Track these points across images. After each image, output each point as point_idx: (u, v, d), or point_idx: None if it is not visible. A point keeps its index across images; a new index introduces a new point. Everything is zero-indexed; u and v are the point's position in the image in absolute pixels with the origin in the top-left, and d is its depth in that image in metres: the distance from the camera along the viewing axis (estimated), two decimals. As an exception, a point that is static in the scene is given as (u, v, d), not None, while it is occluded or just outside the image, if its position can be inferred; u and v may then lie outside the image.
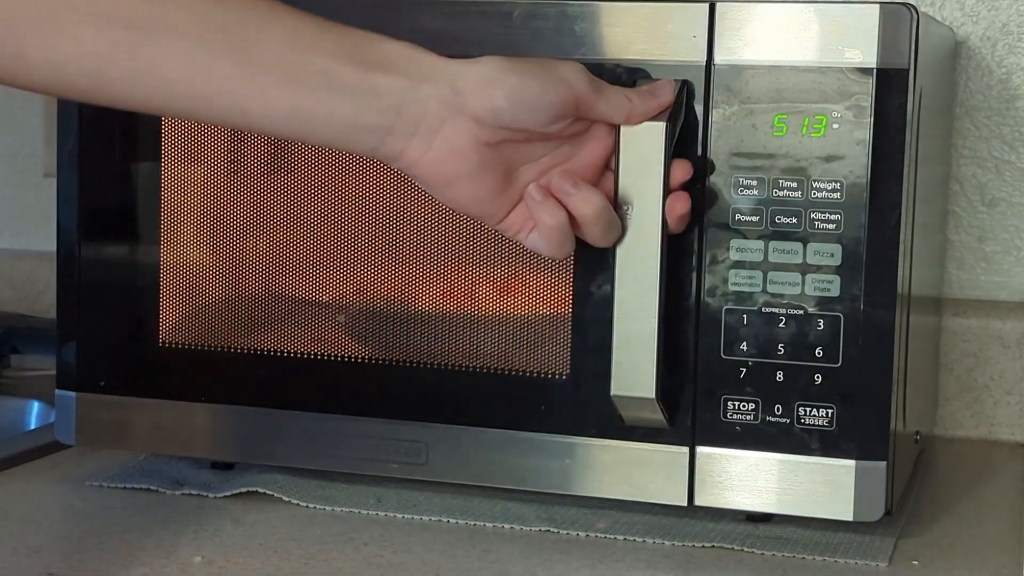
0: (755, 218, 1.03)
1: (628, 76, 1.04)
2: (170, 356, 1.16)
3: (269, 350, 1.13)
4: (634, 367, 1.02)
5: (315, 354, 1.13)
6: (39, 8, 0.84)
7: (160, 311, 1.16)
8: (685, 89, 1.03)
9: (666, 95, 1.01)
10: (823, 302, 1.02)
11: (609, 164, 1.01)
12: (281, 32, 0.90)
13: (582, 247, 1.02)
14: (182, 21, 0.87)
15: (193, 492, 1.15)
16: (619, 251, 1.01)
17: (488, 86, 0.95)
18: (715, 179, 1.03)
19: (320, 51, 0.91)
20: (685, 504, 1.06)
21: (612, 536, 1.08)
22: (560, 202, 0.98)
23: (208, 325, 1.15)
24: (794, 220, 1.02)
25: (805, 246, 1.02)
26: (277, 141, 1.12)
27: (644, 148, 1.00)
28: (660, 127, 1.00)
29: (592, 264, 1.05)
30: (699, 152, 1.03)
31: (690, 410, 1.05)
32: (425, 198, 1.07)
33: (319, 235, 1.11)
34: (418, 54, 0.95)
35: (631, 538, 1.07)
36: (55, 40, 0.84)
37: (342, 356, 1.12)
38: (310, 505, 1.13)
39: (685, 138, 1.03)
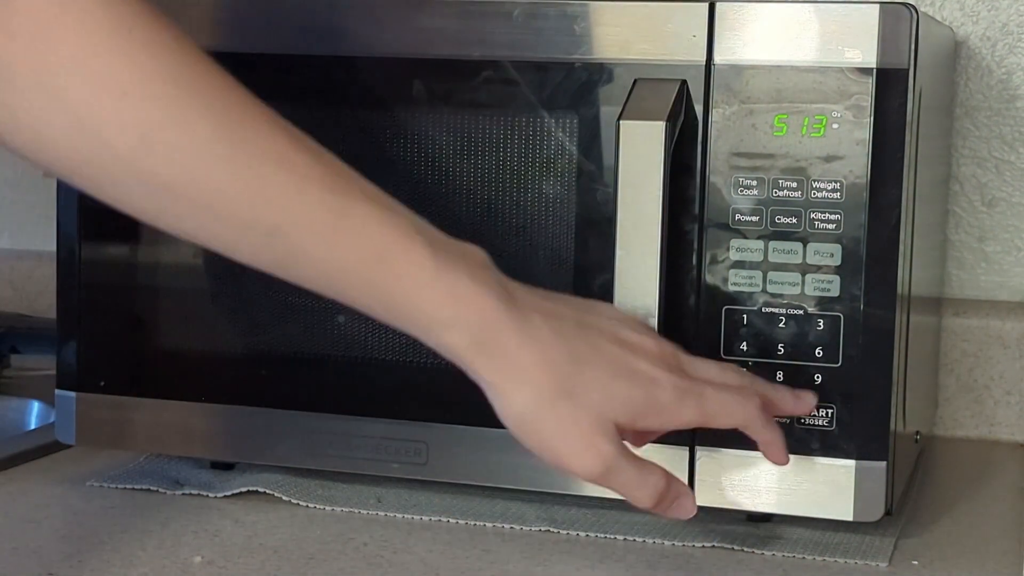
0: (755, 218, 1.03)
1: (628, 75, 1.04)
2: (170, 356, 1.16)
3: (269, 350, 1.13)
4: None
5: (315, 354, 1.12)
6: None
7: (160, 311, 1.16)
8: (685, 89, 1.03)
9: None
10: (823, 302, 1.02)
11: None
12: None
13: (580, 241, 1.02)
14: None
15: (193, 492, 1.15)
16: (619, 250, 1.01)
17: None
18: (715, 179, 1.03)
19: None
20: (685, 504, 1.05)
21: (612, 536, 1.07)
22: None
23: (208, 325, 1.15)
24: (794, 220, 1.02)
25: (805, 246, 1.02)
26: None
27: (644, 148, 1.00)
28: (659, 126, 1.00)
29: (592, 263, 1.06)
30: (699, 152, 1.03)
31: None
32: (423, 198, 1.07)
33: None
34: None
35: (631, 538, 1.07)
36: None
37: (342, 356, 1.12)
38: (310, 505, 1.13)
39: (685, 138, 1.03)
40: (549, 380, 0.89)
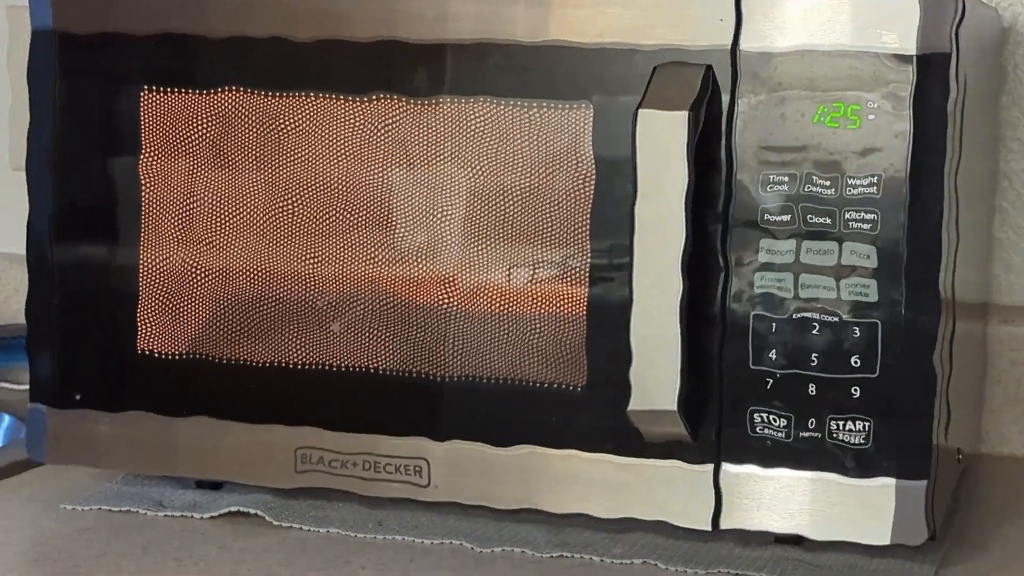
0: (785, 216, 1.03)
1: (647, 61, 1.04)
2: (151, 366, 1.15)
3: (258, 360, 1.13)
4: (654, 377, 1.02)
5: (308, 364, 1.12)
6: None
7: (140, 317, 1.15)
8: (710, 76, 1.02)
9: None
10: (859, 308, 1.02)
11: None
12: None
13: (596, 241, 1.03)
14: None
15: (176, 514, 1.14)
16: (637, 251, 1.01)
17: None
18: (742, 175, 1.03)
19: None
20: (709, 527, 1.06)
21: (630, 561, 1.07)
22: None
23: (192, 333, 1.15)
24: (827, 219, 1.02)
25: (840, 247, 1.02)
26: (265, 131, 1.11)
27: (665, 140, 1.01)
28: (681, 117, 1.00)
29: (609, 265, 1.06)
30: (724, 145, 1.03)
31: (715, 424, 1.05)
32: (430, 196, 1.09)
33: (312, 235, 1.11)
34: None
35: (651, 563, 1.07)
36: None
37: (337, 366, 1.12)
38: (303, 527, 1.12)
39: (709, 130, 1.03)
40: None
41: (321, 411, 1.12)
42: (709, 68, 1.03)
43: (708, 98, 1.02)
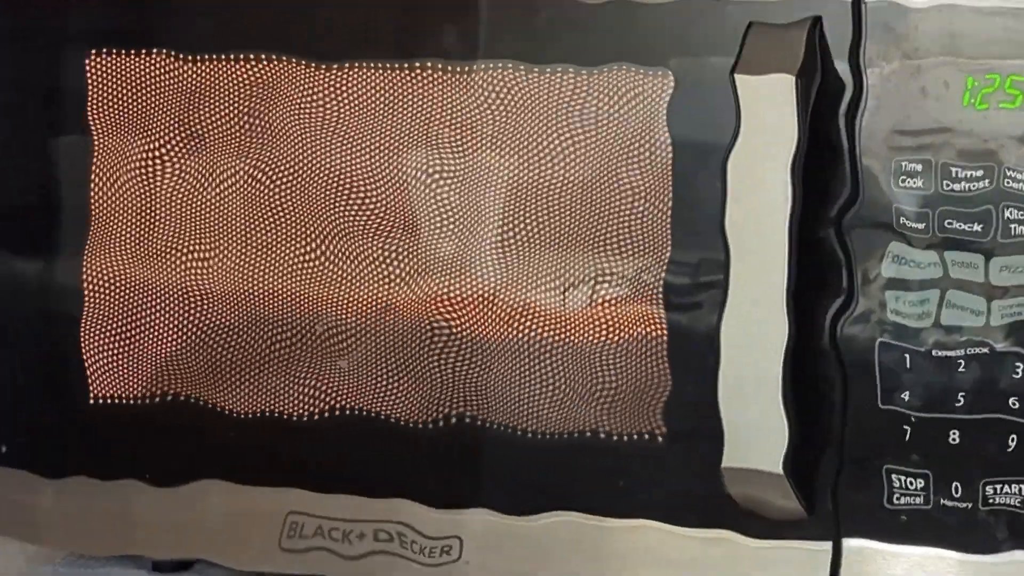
0: (921, 225, 0.95)
1: (740, 15, 0.97)
2: (101, 416, 1.11)
3: (240, 403, 1.08)
4: (753, 428, 0.96)
5: (304, 412, 1.07)
6: None
7: (87, 351, 1.11)
8: (816, 33, 0.95)
9: None
10: (1019, 336, 0.94)
11: None
12: None
13: (677, 245, 1.00)
14: None
15: None
16: (734, 261, 0.94)
17: None
18: (868, 163, 0.96)
19: None
20: (824, 623, 1.01)
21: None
22: None
23: (153, 373, 1.11)
24: (978, 225, 0.94)
25: (987, 260, 0.94)
26: (247, 108, 1.07)
27: (768, 111, 0.93)
28: (788, 80, 0.92)
29: (694, 283, 1.00)
30: (843, 125, 0.96)
31: (830, 488, 0.98)
32: (461, 192, 1.03)
33: (310, 242, 1.07)
34: None
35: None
36: None
37: (342, 414, 1.06)
38: (294, 621, 1.07)
39: (823, 107, 0.95)
40: None
41: (322, 471, 1.07)
42: (818, 23, 0.94)
43: (821, 63, 0.95)
